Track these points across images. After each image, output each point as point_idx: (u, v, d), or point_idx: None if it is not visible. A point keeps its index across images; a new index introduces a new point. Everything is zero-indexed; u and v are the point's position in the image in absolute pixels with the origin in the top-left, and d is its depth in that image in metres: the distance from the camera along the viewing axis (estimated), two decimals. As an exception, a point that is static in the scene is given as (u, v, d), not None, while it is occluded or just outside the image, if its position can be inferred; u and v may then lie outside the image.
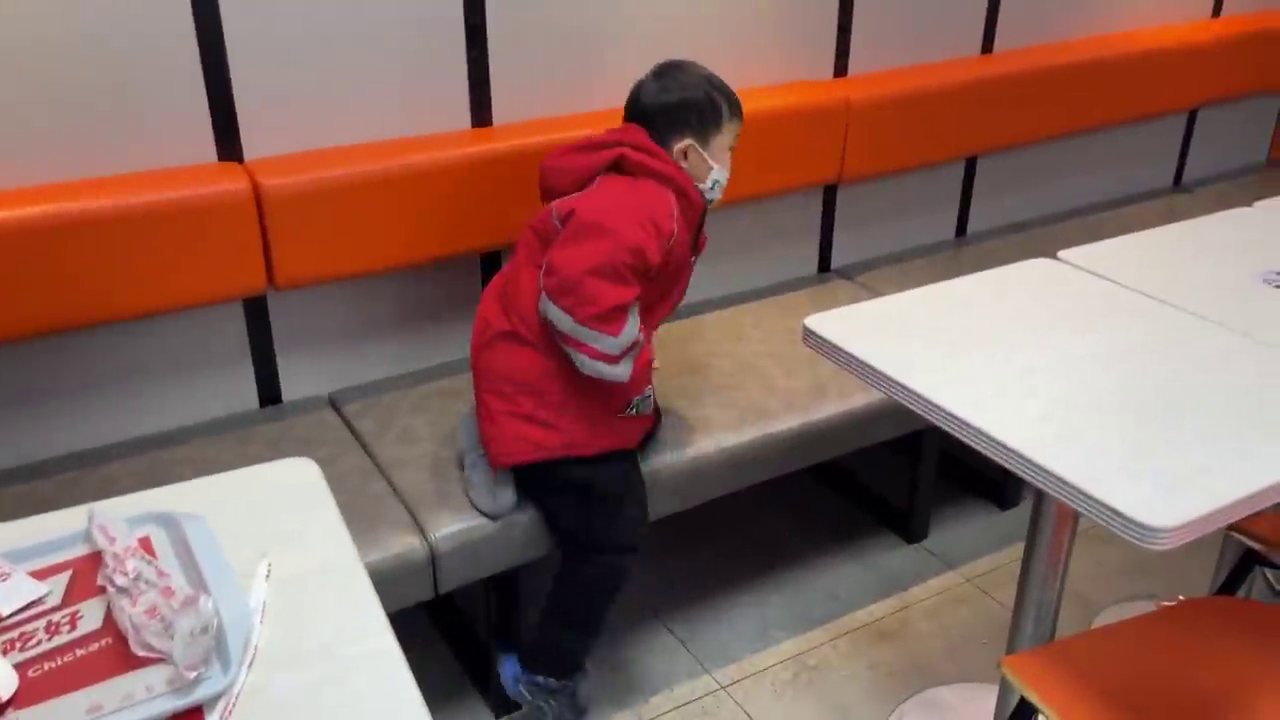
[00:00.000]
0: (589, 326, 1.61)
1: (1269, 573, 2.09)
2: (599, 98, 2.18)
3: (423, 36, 1.97)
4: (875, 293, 2.40)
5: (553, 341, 1.66)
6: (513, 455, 1.70)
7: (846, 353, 1.49)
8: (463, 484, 1.78)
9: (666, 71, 1.79)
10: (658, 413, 1.92)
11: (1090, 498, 1.16)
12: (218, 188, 1.80)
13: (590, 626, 1.79)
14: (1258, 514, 1.20)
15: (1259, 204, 2.02)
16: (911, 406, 1.39)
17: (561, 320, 1.61)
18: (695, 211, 1.76)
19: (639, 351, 1.68)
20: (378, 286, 2.07)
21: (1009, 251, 2.67)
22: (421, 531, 1.70)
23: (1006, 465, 1.26)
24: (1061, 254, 1.79)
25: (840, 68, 2.44)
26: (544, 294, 1.63)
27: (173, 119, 1.81)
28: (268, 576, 1.02)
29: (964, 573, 2.30)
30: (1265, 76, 3.11)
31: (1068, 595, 1.82)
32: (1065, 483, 1.18)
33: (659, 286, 1.75)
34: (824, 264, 2.61)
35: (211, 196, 1.79)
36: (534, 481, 1.75)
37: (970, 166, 2.73)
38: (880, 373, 1.44)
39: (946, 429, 1.35)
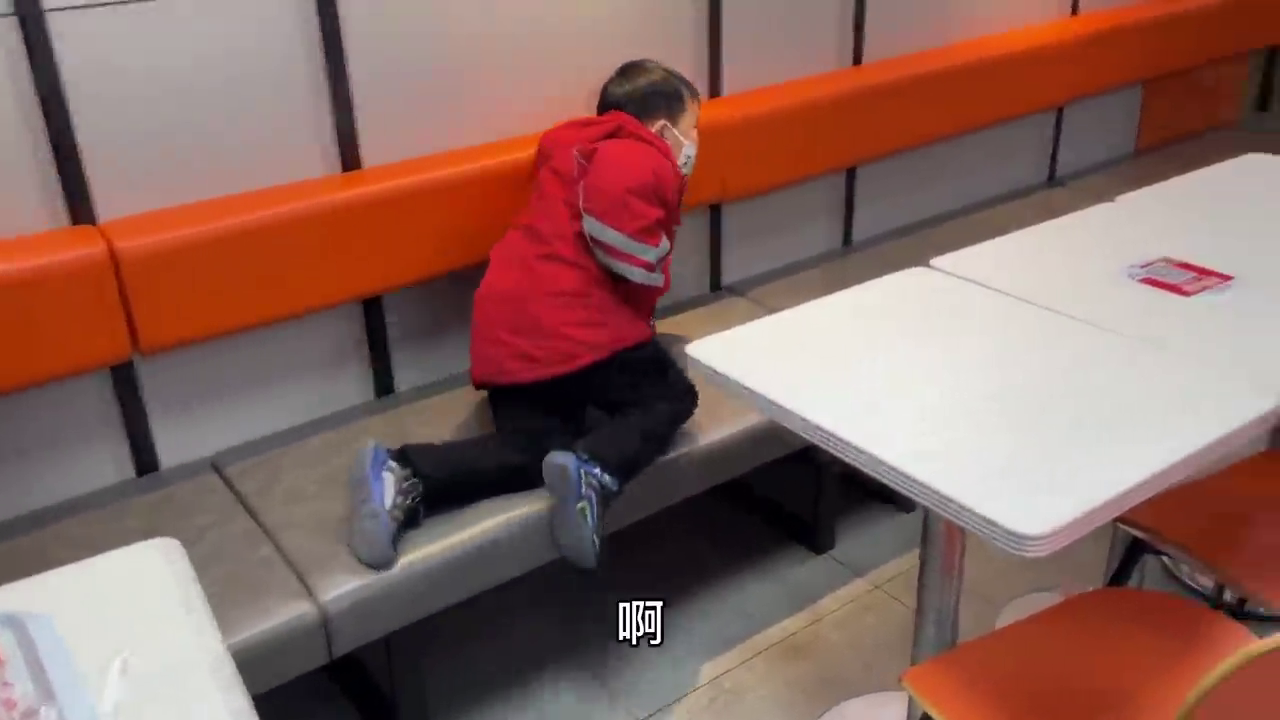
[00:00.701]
0: (638, 240, 1.92)
1: (1164, 558, 2.15)
2: (472, 132, 2.16)
3: (282, 84, 1.92)
4: (766, 308, 2.40)
5: (590, 258, 1.93)
6: (576, 359, 1.89)
7: (726, 377, 1.49)
8: (350, 534, 1.73)
9: (629, 68, 2.15)
10: None
11: (964, 508, 1.16)
12: (70, 254, 1.72)
13: (661, 446, 1.97)
14: (1142, 503, 1.23)
15: (1121, 198, 2.08)
16: (791, 426, 1.39)
17: (615, 238, 1.91)
18: (679, 177, 2.07)
19: (668, 265, 2.04)
20: (255, 341, 2.00)
21: (895, 255, 2.67)
22: (311, 595, 1.64)
23: (884, 480, 1.27)
24: (934, 261, 1.81)
25: (714, 89, 2.46)
26: (590, 216, 1.91)
27: (16, 183, 1.73)
28: (123, 674, 0.97)
29: (872, 579, 2.31)
30: (1125, 70, 3.23)
31: (970, 595, 1.85)
32: (940, 495, 1.19)
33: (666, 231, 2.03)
34: (715, 282, 2.62)
35: (64, 264, 1.71)
36: (581, 387, 1.94)
37: (851, 176, 2.77)
38: (758, 395, 1.43)
39: (826, 447, 1.35)
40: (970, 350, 1.52)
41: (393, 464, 1.77)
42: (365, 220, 1.98)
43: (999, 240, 1.90)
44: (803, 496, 2.37)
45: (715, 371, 1.51)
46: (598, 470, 1.81)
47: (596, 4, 2.24)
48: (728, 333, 1.61)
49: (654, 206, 1.95)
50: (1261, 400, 1.34)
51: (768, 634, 2.17)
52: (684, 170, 2.11)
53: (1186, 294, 1.66)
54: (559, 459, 1.78)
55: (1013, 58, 2.88)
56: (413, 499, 1.76)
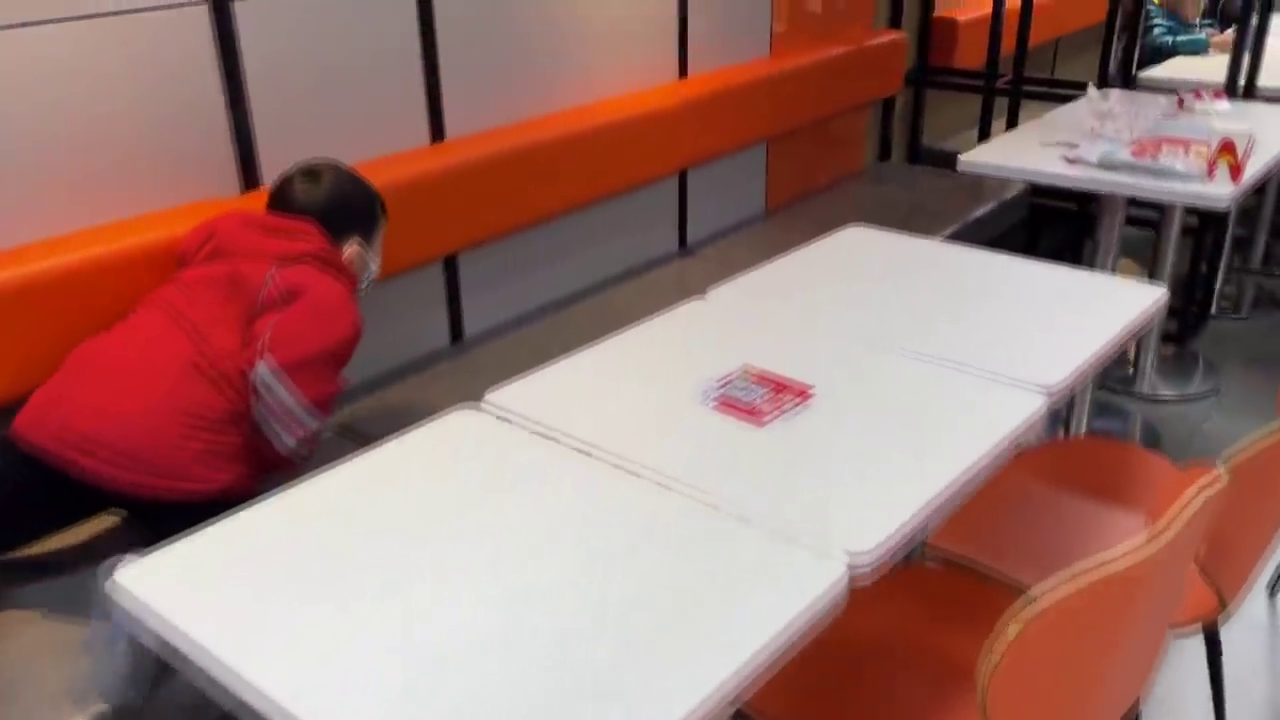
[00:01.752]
0: (310, 411, 1.68)
1: None
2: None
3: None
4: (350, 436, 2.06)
5: (239, 391, 1.66)
6: (176, 491, 1.61)
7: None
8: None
9: (314, 171, 1.86)
10: None
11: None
12: None
13: None
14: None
15: (713, 290, 1.88)
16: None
17: (281, 393, 1.65)
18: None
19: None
20: None
21: (511, 355, 2.43)
22: None
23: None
24: (488, 398, 1.52)
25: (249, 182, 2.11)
26: (270, 360, 1.65)
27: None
28: None
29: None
30: (743, 130, 3.14)
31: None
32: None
33: None
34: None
35: None
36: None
37: (451, 266, 2.46)
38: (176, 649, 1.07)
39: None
40: (512, 532, 1.22)
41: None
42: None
43: (571, 360, 1.63)
44: None
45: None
46: None
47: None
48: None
49: (337, 375, 1.75)
50: (829, 567, 1.13)
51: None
52: (362, 290, 1.89)
53: (760, 420, 1.45)
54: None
55: (621, 125, 2.69)
56: None
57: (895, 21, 3.84)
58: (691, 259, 3.02)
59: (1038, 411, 1.47)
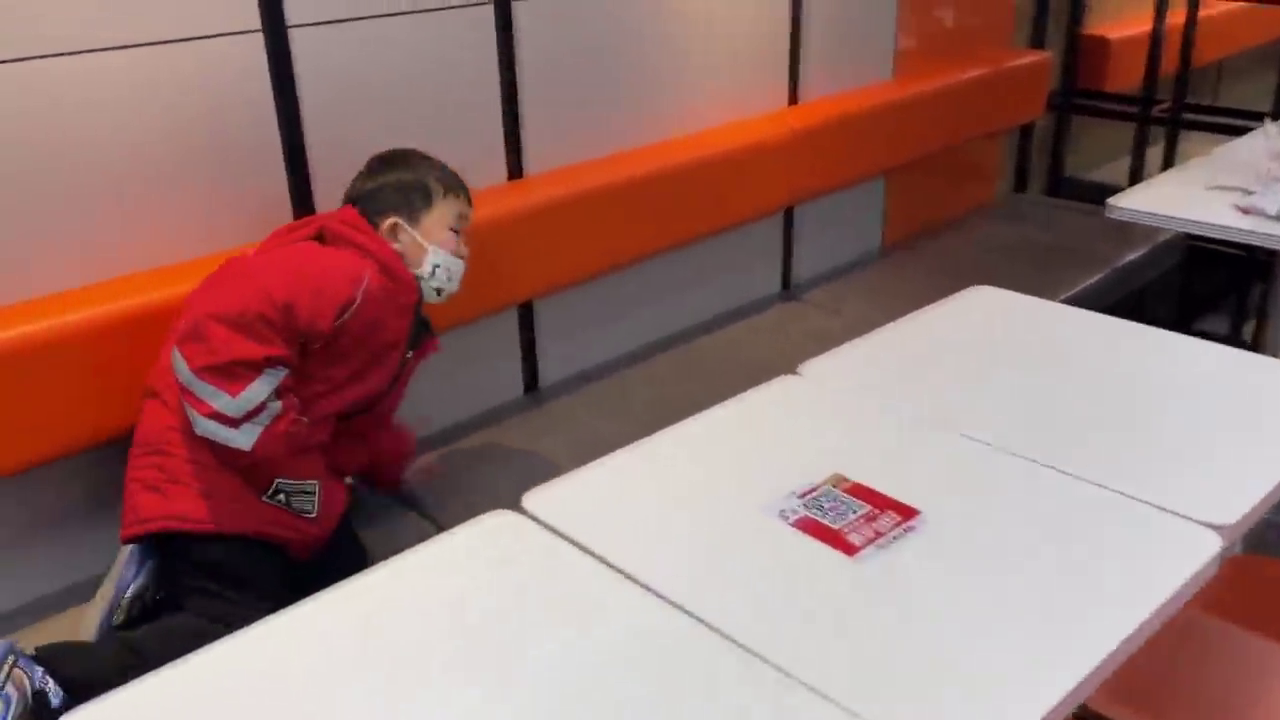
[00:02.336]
0: (203, 379, 1.44)
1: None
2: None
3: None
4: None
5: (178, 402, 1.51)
6: (127, 527, 1.53)
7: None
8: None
9: (376, 158, 1.76)
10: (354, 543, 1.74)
11: None
12: None
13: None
14: None
15: (808, 366, 1.61)
16: None
17: (179, 368, 1.46)
18: (405, 294, 1.66)
19: (275, 423, 1.49)
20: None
21: (586, 409, 2.22)
22: None
23: None
24: (527, 503, 1.29)
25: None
26: (175, 339, 1.48)
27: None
28: None
29: None
30: (859, 162, 2.84)
31: None
32: None
33: (345, 365, 1.62)
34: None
35: None
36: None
37: (527, 313, 2.25)
38: None
39: None
40: (510, 672, 0.99)
41: (19, 670, 1.40)
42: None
43: (627, 454, 1.39)
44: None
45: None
46: (39, 673, 1.42)
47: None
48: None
49: (251, 340, 1.45)
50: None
51: None
52: (430, 284, 1.70)
53: (852, 551, 1.19)
54: None
55: (720, 159, 2.44)
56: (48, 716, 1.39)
57: (1038, 40, 3.48)
58: (795, 304, 2.75)
59: (1209, 558, 1.16)
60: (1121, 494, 1.26)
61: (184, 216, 1.72)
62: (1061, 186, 3.76)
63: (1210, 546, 1.17)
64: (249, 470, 1.53)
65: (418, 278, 1.68)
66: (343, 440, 1.72)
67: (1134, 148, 3.45)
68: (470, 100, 2.04)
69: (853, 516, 1.23)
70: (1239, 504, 1.22)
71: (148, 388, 1.58)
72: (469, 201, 1.77)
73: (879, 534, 1.20)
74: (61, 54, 1.53)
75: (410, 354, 1.75)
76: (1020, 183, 3.62)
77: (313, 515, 1.60)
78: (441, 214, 1.72)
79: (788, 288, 2.85)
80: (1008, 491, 1.28)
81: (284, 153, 1.79)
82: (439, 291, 1.72)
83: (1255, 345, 3.33)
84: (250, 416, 1.47)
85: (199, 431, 1.48)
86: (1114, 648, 1.03)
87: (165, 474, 1.52)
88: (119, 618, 1.53)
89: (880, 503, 1.26)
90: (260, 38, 1.71)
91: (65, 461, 1.64)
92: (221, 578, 1.52)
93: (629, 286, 2.42)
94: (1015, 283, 2.89)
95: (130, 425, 1.61)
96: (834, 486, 1.29)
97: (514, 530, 1.24)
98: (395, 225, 1.68)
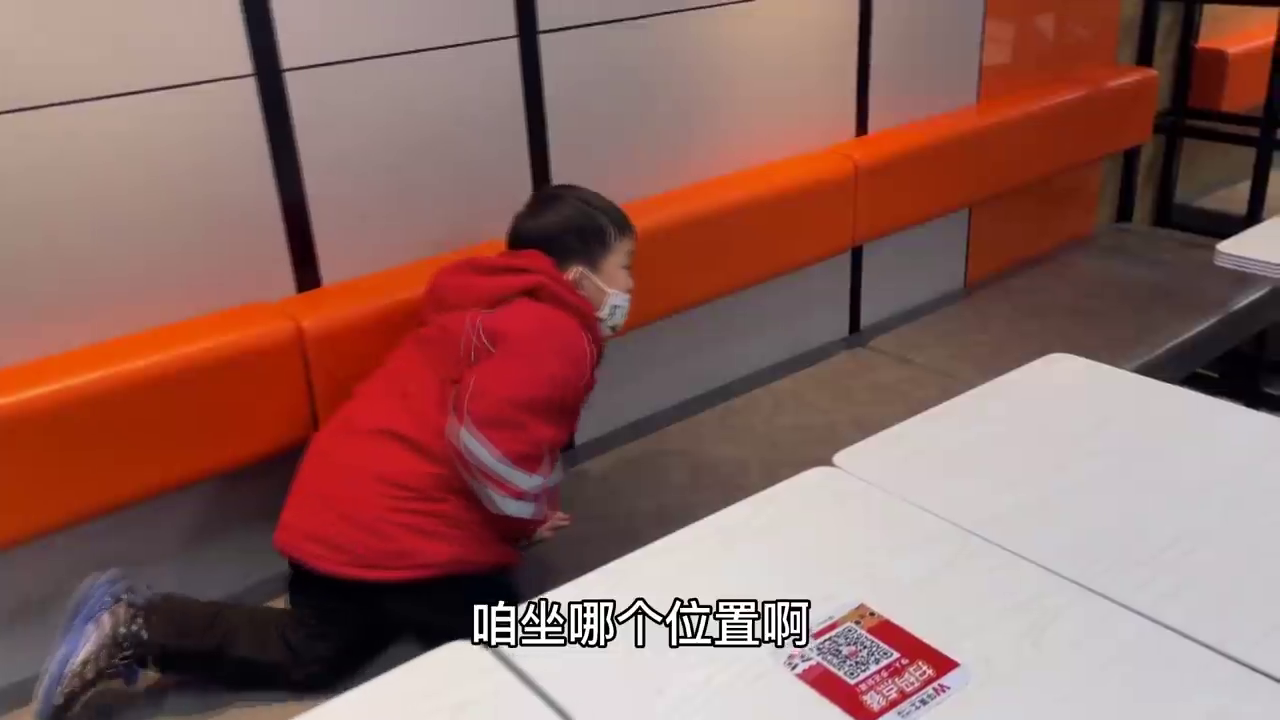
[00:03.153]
0: (518, 465, 1.51)
1: None
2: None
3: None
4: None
5: (446, 456, 1.54)
6: (400, 571, 1.53)
7: None
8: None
9: (541, 199, 1.76)
10: None
11: None
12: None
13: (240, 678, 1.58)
14: None
15: (844, 456, 1.40)
16: None
17: (482, 454, 1.50)
18: (598, 344, 1.68)
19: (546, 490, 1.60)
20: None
21: (617, 474, 2.04)
22: None
23: None
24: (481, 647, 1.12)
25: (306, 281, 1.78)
26: (466, 419, 1.50)
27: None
28: None
29: None
30: (936, 196, 2.60)
31: None
32: None
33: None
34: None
35: None
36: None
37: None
38: None
39: None
40: None
41: (119, 609, 1.47)
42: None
43: (617, 568, 1.19)
44: None
45: None
46: (137, 628, 1.46)
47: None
48: None
49: (553, 425, 1.56)
50: None
51: None
52: (609, 324, 1.73)
53: (867, 718, 0.98)
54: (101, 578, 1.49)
55: (776, 197, 2.23)
56: (121, 660, 1.46)
57: (1146, 55, 3.16)
58: (862, 351, 2.52)
59: (1323, 747, 0.92)
60: (1213, 649, 1.02)
61: (174, 276, 1.60)
62: (1170, 216, 3.42)
63: (1325, 730, 0.93)
64: (507, 522, 1.59)
65: (598, 319, 1.70)
66: None
67: (1254, 174, 3.10)
68: (493, 144, 1.88)
69: (874, 668, 1.02)
70: (1365, 672, 0.98)
71: (405, 436, 1.56)
72: (635, 235, 1.77)
73: (903, 695, 0.99)
74: (37, 107, 1.43)
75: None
76: (1124, 212, 3.30)
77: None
78: (618, 256, 1.73)
79: (856, 330, 2.62)
80: (1073, 639, 1.06)
81: (281, 207, 1.67)
82: (614, 329, 1.75)
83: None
84: (543, 491, 1.58)
85: (499, 509, 1.53)
86: None
87: (445, 521, 1.55)
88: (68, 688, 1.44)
89: (910, 649, 1.05)
90: (253, 83, 1.58)
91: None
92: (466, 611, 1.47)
93: (671, 336, 2.23)
94: (1112, 328, 2.63)
95: (117, 502, 1.51)
96: (856, 624, 1.09)
97: (477, 665, 1.08)
98: (581, 274, 1.69)
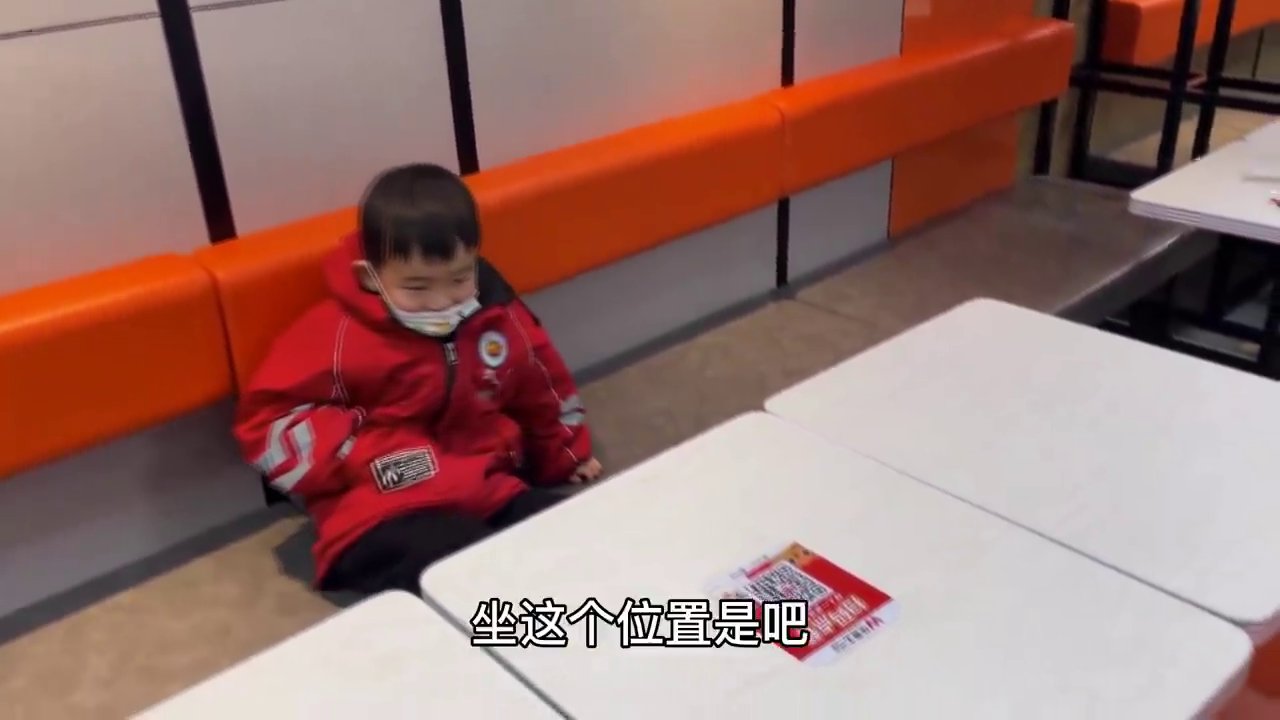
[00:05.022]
0: (244, 452, 1.56)
1: None
2: None
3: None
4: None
5: None
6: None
7: None
8: None
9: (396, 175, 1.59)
10: None
11: None
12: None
13: None
14: None
15: (775, 401, 1.40)
16: None
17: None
18: (384, 334, 1.56)
19: (316, 448, 1.54)
20: None
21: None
22: None
23: None
24: (428, 586, 1.10)
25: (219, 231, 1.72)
26: None
27: None
28: None
29: None
30: (861, 147, 2.61)
31: None
32: None
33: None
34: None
35: None
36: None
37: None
38: None
39: None
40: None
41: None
42: None
43: (546, 519, 1.19)
44: None
45: None
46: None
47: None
48: None
49: (249, 416, 1.55)
50: None
51: None
52: (415, 329, 1.57)
53: (802, 652, 0.99)
54: None
55: (701, 147, 2.20)
56: None
57: (1061, 9, 3.21)
58: (789, 303, 2.53)
59: (1238, 667, 0.96)
60: (1132, 577, 1.05)
61: (78, 226, 1.52)
62: (1085, 167, 3.50)
63: (1236, 651, 0.96)
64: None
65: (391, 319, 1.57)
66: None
67: (1165, 127, 3.17)
68: (413, 92, 1.82)
69: (806, 603, 1.04)
70: (1275, 593, 1.02)
71: None
72: (429, 259, 1.51)
73: (838, 628, 1.00)
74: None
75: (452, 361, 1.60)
76: (1040, 164, 3.36)
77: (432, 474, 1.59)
78: (390, 273, 1.53)
79: (783, 283, 2.63)
80: (1001, 571, 1.08)
81: (191, 154, 1.59)
82: (431, 334, 1.58)
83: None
84: (286, 468, 1.56)
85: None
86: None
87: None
88: None
89: (844, 585, 1.06)
90: (158, 22, 1.50)
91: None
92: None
93: (594, 291, 2.21)
94: (1033, 277, 2.68)
95: (20, 465, 1.45)
96: (790, 562, 1.09)
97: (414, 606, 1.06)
98: (368, 270, 1.56)
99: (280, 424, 1.54)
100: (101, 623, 1.53)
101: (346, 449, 1.55)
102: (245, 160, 1.65)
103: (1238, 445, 1.28)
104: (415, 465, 1.60)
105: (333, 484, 1.56)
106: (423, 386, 1.59)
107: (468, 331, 1.62)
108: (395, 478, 1.57)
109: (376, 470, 1.56)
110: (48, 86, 1.45)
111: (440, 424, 1.63)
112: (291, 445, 1.54)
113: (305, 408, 1.56)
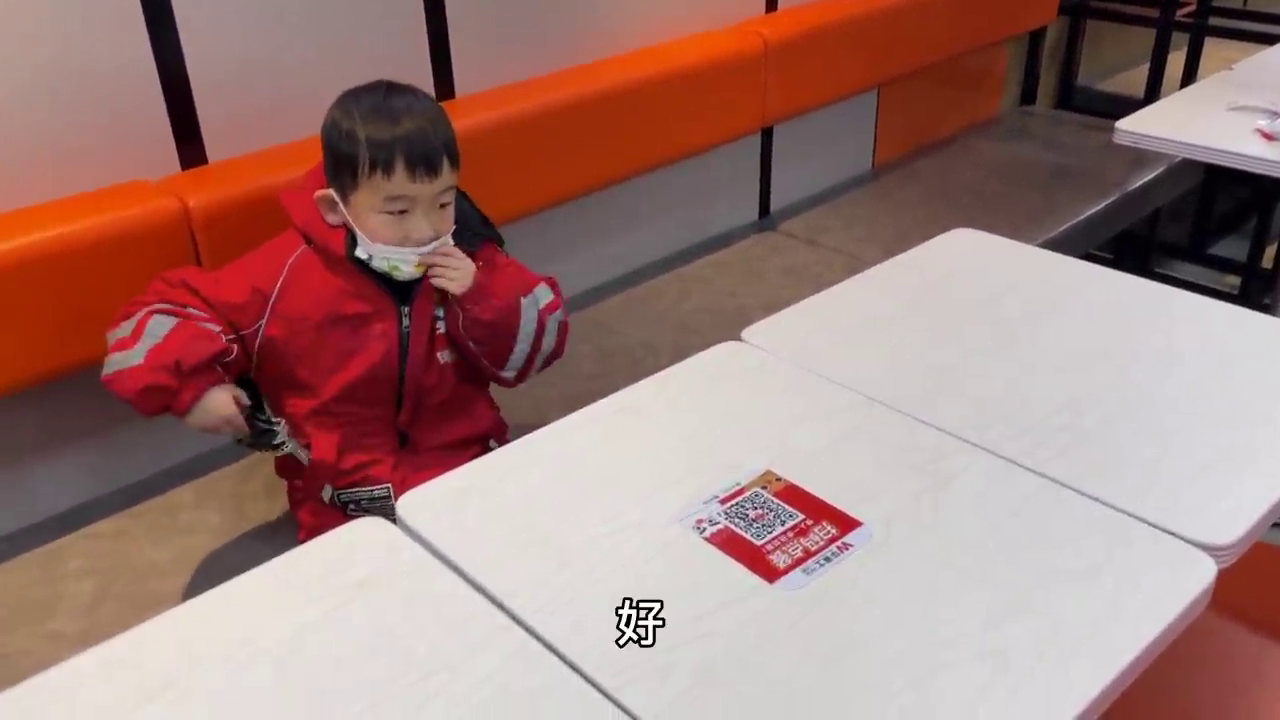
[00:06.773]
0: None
1: None
2: None
3: None
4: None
5: None
6: None
7: None
8: None
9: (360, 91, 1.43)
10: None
11: None
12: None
13: None
14: None
15: (752, 331, 1.40)
16: None
17: None
18: (348, 276, 1.42)
19: (158, 348, 1.33)
20: None
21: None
22: None
23: None
24: (402, 511, 1.11)
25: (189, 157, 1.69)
26: None
27: None
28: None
29: None
30: (845, 76, 2.58)
31: None
32: None
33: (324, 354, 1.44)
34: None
35: None
36: None
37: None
38: None
39: None
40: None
41: None
42: None
43: (522, 445, 1.20)
44: None
45: None
46: None
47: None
48: None
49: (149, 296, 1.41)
50: None
51: None
52: (382, 267, 1.41)
53: (772, 575, 1.00)
54: None
55: (683, 75, 2.18)
56: None
57: (1052, -65, 3.16)
58: (771, 235, 2.52)
59: (1201, 589, 0.97)
60: (1099, 501, 1.06)
61: (43, 151, 1.50)
62: (1073, 98, 3.46)
63: (1201, 574, 0.98)
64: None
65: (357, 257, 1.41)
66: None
67: (1153, 56, 3.14)
68: (387, 15, 1.79)
69: (780, 529, 1.04)
70: (1240, 518, 1.03)
71: None
72: (414, 175, 1.35)
73: (808, 553, 1.01)
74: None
75: (407, 320, 1.47)
76: (1028, 95, 3.33)
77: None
78: (367, 196, 1.37)
79: (766, 215, 2.62)
80: (970, 497, 1.09)
81: (160, 78, 1.56)
82: (403, 276, 1.42)
83: (1276, 271, 3.10)
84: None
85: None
86: (1081, 710, 0.86)
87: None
88: None
89: (815, 511, 1.07)
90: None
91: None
92: None
93: (575, 222, 2.19)
94: (1015, 209, 2.67)
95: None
96: (763, 489, 1.10)
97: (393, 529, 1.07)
98: (330, 200, 1.40)
99: (155, 309, 1.37)
100: (81, 551, 1.54)
101: (298, 450, 1.45)
102: (215, 85, 1.62)
103: (1209, 372, 1.29)
104: (376, 501, 1.50)
105: (153, 405, 1.35)
106: (362, 352, 1.45)
107: (425, 289, 1.46)
108: (354, 505, 1.51)
109: (335, 498, 1.50)
110: (6, 7, 1.41)
111: (402, 414, 1.50)
112: (140, 330, 1.35)
113: (196, 313, 1.38)
